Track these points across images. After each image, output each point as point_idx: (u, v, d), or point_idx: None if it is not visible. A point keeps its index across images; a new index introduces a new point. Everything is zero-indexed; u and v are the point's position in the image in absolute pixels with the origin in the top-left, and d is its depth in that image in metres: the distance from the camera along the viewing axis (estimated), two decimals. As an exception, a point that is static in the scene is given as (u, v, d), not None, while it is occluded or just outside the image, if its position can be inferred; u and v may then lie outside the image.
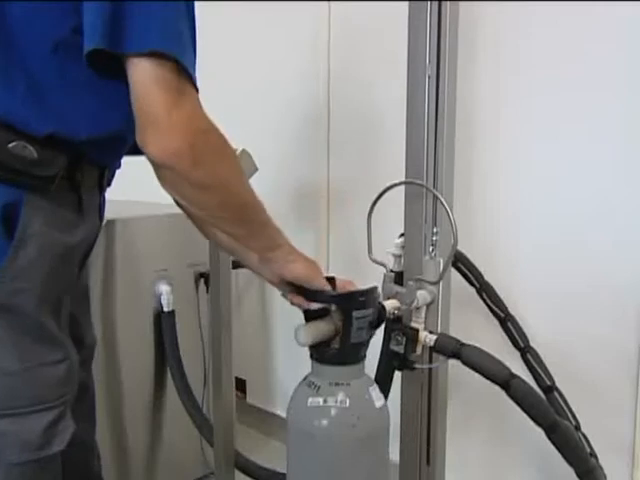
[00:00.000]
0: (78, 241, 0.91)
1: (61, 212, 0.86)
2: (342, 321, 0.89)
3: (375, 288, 0.94)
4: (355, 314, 0.89)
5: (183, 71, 0.73)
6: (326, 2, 1.76)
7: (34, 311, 0.84)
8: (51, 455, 0.88)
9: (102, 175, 0.96)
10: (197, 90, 0.77)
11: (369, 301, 0.92)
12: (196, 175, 0.74)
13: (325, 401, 0.90)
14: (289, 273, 0.90)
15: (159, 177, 0.77)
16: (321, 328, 0.90)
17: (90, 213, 0.95)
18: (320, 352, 0.92)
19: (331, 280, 0.94)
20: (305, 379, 0.96)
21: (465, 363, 1.02)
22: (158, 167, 0.75)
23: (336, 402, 0.89)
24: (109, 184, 1.03)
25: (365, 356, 0.95)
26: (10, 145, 0.78)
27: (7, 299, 0.82)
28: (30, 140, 0.80)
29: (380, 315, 0.96)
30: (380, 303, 0.98)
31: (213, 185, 0.78)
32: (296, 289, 0.93)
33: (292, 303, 0.94)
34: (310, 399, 0.91)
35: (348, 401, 0.89)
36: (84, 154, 0.87)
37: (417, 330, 1.07)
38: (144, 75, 0.71)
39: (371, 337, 0.94)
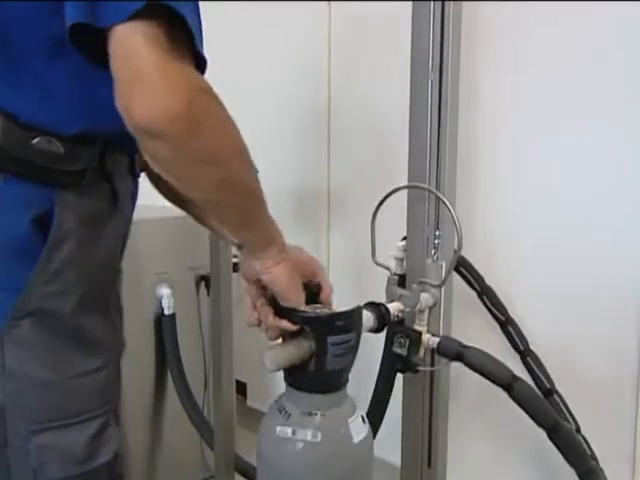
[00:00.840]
0: (113, 235, 0.86)
1: (95, 206, 0.80)
2: (316, 345, 0.76)
3: (359, 309, 0.82)
4: (330, 340, 0.75)
5: (179, 28, 0.59)
6: (326, 2, 1.76)
7: (71, 315, 0.78)
8: (97, 467, 0.82)
9: (133, 161, 0.88)
10: (202, 58, 0.65)
11: (350, 325, 0.78)
12: (193, 145, 0.61)
13: (294, 432, 0.78)
14: (267, 276, 0.79)
15: (145, 149, 0.63)
16: (291, 351, 0.77)
17: (125, 202, 0.88)
18: (293, 376, 0.80)
19: (306, 285, 0.80)
20: (278, 400, 0.84)
21: (468, 365, 1.02)
22: (145, 135, 0.60)
23: (306, 436, 0.77)
24: (142, 170, 0.93)
25: (347, 382, 0.82)
26: (34, 141, 0.73)
27: (41, 304, 0.76)
28: (55, 135, 0.74)
29: (384, 318, 0.95)
30: (384, 306, 0.98)
31: (213, 160, 0.65)
32: (268, 300, 0.81)
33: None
34: (279, 428, 0.79)
35: (320, 435, 0.77)
36: (112, 143, 0.80)
37: (420, 333, 1.07)
38: (129, 35, 0.59)
39: (353, 360, 0.80)
